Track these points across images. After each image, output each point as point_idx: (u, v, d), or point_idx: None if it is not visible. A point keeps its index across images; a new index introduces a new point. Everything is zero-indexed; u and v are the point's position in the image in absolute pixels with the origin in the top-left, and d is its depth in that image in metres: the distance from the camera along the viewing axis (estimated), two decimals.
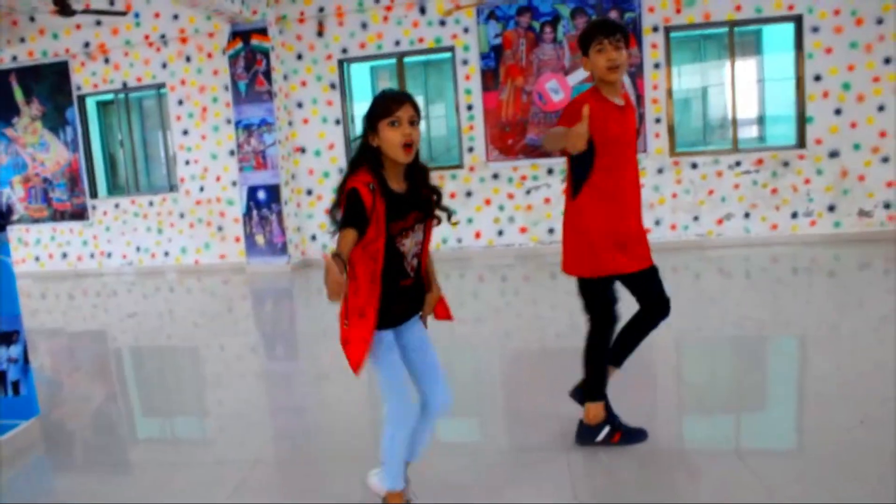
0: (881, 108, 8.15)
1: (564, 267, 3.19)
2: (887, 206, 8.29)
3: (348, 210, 2.31)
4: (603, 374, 3.24)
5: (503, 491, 2.83)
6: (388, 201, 2.38)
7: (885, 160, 8.23)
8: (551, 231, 8.91)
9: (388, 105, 2.36)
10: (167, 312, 7.71)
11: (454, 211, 2.63)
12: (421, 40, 9.03)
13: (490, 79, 8.91)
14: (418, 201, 2.49)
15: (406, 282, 2.50)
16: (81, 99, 10.16)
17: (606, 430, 3.25)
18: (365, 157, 2.42)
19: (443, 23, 8.94)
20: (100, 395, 4.97)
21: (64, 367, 5.82)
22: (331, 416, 4.19)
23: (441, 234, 8.92)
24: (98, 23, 9.70)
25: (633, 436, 3.26)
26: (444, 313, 2.70)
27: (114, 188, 10.70)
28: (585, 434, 3.29)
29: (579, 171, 3.07)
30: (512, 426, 3.83)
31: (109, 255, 10.34)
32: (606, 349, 3.22)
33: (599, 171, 3.04)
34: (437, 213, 2.55)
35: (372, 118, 2.39)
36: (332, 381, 4.86)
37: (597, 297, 3.16)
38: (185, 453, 3.83)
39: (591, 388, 3.25)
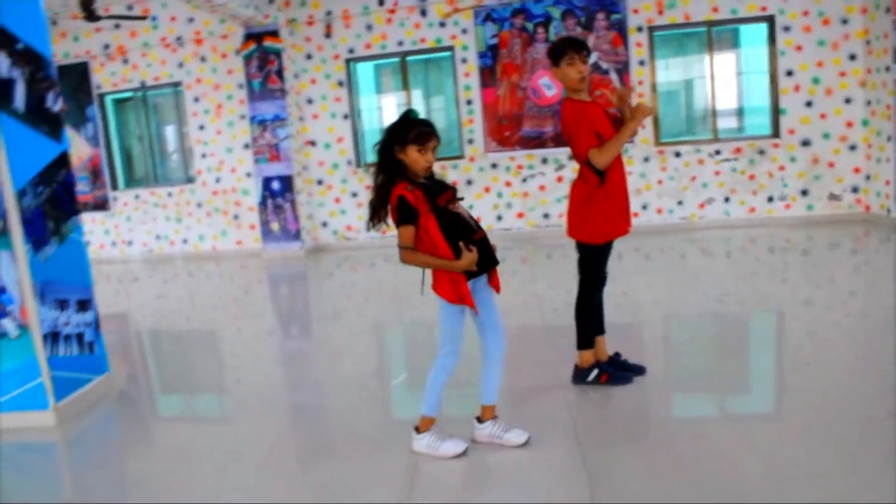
0: (848, 101, 8.81)
1: (587, 237, 3.79)
2: (854, 190, 8.97)
3: (402, 213, 3.02)
4: (590, 326, 3.92)
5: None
6: (423, 190, 3.06)
7: (853, 148, 8.90)
8: (546, 216, 9.56)
9: (421, 137, 3.03)
10: (188, 296, 8.32)
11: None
12: (423, 41, 9.66)
13: (488, 76, 9.56)
14: (443, 185, 3.19)
15: (477, 235, 3.13)
16: (101, 97, 10.77)
17: (595, 372, 3.94)
18: (393, 167, 3.08)
19: (443, 24, 9.59)
20: (122, 375, 5.24)
21: None
22: (344, 391, 4.51)
23: None
24: (117, 26, 10.30)
25: (618, 378, 3.94)
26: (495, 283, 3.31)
27: (130, 181, 11.32)
28: (578, 375, 3.99)
29: None
30: (516, 377, 4.31)
31: (130, 243, 10.98)
32: (593, 305, 3.90)
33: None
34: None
35: (404, 139, 3.04)
36: (345, 358, 5.32)
37: (599, 261, 3.84)
38: (207, 429, 4.20)
39: (582, 338, 3.93)
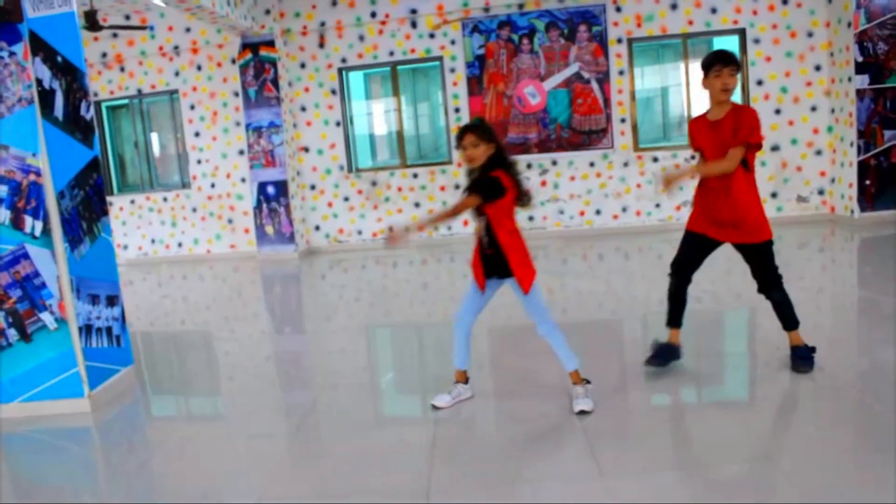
0: (813, 109, 9.39)
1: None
2: (821, 192, 9.54)
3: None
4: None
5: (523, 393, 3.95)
6: None
7: (819, 153, 9.47)
8: (531, 218, 9.95)
9: (458, 137, 3.67)
10: (184, 298, 8.56)
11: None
12: (413, 51, 10.08)
13: (475, 84, 9.99)
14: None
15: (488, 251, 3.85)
16: (97, 104, 11.04)
17: None
18: None
19: (432, 35, 10.02)
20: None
21: None
22: (336, 388, 4.72)
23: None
24: (115, 35, 10.59)
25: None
26: None
27: (123, 186, 11.59)
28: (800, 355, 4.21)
29: None
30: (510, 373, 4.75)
31: (126, 247, 11.23)
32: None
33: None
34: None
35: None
36: (337, 357, 5.50)
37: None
38: (202, 426, 4.47)
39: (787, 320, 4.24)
